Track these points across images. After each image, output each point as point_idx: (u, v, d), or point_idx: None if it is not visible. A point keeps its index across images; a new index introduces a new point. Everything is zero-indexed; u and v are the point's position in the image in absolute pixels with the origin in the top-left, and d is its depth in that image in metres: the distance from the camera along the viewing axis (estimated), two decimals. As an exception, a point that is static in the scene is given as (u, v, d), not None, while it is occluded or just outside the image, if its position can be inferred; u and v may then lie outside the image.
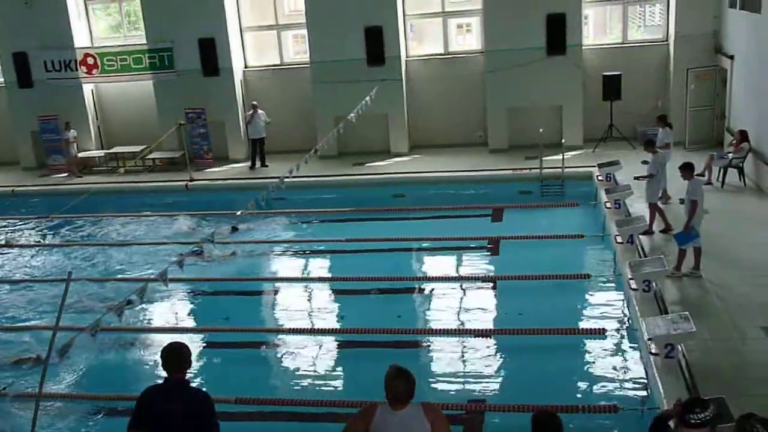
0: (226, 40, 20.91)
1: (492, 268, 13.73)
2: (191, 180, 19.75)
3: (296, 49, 22.71)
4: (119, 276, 14.22)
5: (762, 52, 15.30)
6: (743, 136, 15.62)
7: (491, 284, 12.92)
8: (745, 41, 16.48)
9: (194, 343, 11.25)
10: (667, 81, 19.46)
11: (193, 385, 5.97)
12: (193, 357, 10.36)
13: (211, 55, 20.96)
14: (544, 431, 5.20)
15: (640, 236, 12.95)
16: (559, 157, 17.29)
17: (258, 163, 20.33)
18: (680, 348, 9.17)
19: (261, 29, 22.03)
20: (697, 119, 18.58)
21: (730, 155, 15.85)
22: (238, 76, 21.45)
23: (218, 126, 21.46)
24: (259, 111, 20.00)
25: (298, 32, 21.83)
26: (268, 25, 21.84)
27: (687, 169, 11.88)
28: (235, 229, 15.85)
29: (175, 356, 5.69)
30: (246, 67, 21.91)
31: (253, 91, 21.68)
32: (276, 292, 13.49)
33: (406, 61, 20.70)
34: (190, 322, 12.53)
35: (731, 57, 17.31)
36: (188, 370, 5.78)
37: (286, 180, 12.88)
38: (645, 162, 14.76)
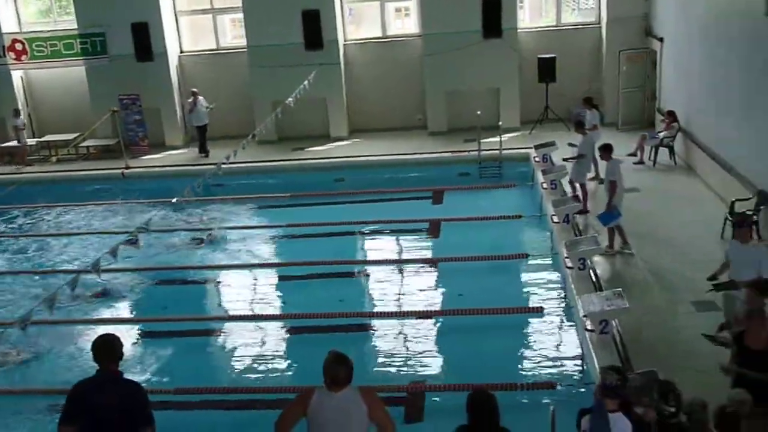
0: (160, 24, 20.49)
1: (433, 250, 13.87)
2: (127, 168, 19.36)
3: (234, 34, 22.38)
4: (58, 268, 13.90)
5: (690, 34, 15.71)
6: (673, 116, 16.05)
7: (432, 266, 13.05)
8: (674, 24, 16.90)
9: (132, 334, 11.11)
10: (600, 63, 19.83)
11: (132, 376, 5.91)
12: (132, 348, 10.32)
13: (145, 40, 20.52)
14: (480, 410, 5.30)
15: (576, 215, 13.22)
16: (497, 139, 17.49)
17: (199, 150, 19.96)
18: (614, 324, 9.43)
19: (196, 13, 21.65)
20: (629, 100, 19.02)
21: (661, 135, 16.28)
22: (173, 61, 21.06)
23: (154, 112, 21.06)
24: (200, 98, 19.67)
25: (236, 16, 21.50)
26: (203, 9, 21.48)
27: (606, 150, 12.28)
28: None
29: (107, 348, 5.61)
30: (181, 52, 21.52)
31: (189, 76, 21.33)
32: (217, 279, 13.34)
33: (344, 44, 20.62)
34: (128, 313, 12.32)
35: (661, 39, 17.74)
36: (121, 361, 5.70)
37: (223, 166, 12.75)
38: (572, 144, 15.08)
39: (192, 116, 19.80)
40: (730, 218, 11.84)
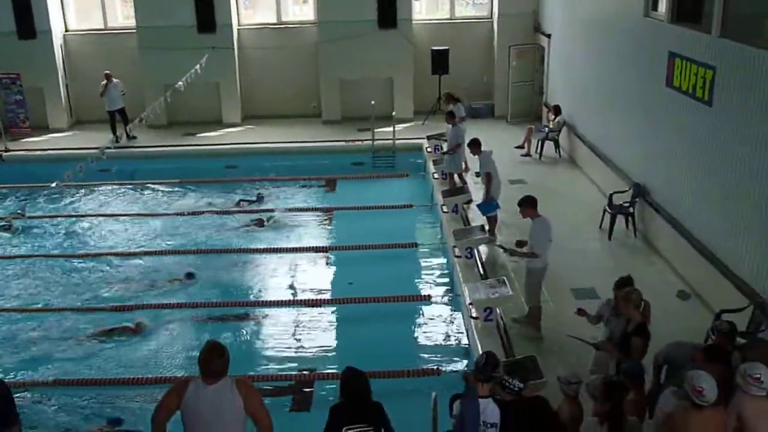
0: (43, 0, 19.53)
1: (325, 238, 13.87)
2: (6, 150, 18.42)
3: (125, 13, 21.57)
4: None
5: (574, 32, 16.32)
6: (557, 110, 16.63)
7: (324, 254, 13.06)
8: (560, 21, 17.50)
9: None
10: (492, 57, 20.27)
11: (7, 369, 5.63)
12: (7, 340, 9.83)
13: (27, 17, 19.52)
14: (351, 388, 5.37)
15: (464, 206, 13.52)
16: (390, 129, 17.66)
17: (123, 137, 18.83)
18: (498, 311, 9.73)
19: (83, -10, 20.82)
20: (518, 94, 19.57)
21: (547, 129, 16.83)
22: (57, 40, 20.12)
23: (36, 92, 20.06)
24: (114, 80, 18.84)
25: (126, -5, 20.76)
26: (90, -14, 20.65)
27: (475, 145, 12.70)
28: (260, 198, 15.39)
29: None
30: (66, 30, 20.60)
31: (75, 56, 20.49)
32: (98, 266, 12.85)
33: (239, 29, 20.27)
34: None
35: (548, 36, 18.33)
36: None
37: (107, 151, 12.32)
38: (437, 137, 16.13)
39: (105, 100, 18.90)
40: (608, 210, 12.40)
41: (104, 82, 18.78)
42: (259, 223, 14.29)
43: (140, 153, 17.91)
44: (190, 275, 12.13)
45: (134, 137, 18.83)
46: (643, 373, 6.75)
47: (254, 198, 15.62)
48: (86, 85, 20.27)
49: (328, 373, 9.30)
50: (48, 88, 20.14)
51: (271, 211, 14.78)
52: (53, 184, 12.56)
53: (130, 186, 16.52)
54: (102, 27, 20.77)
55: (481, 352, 6.42)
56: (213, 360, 5.30)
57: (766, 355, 6.19)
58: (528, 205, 9.48)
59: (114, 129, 18.81)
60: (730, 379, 5.95)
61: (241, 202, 15.48)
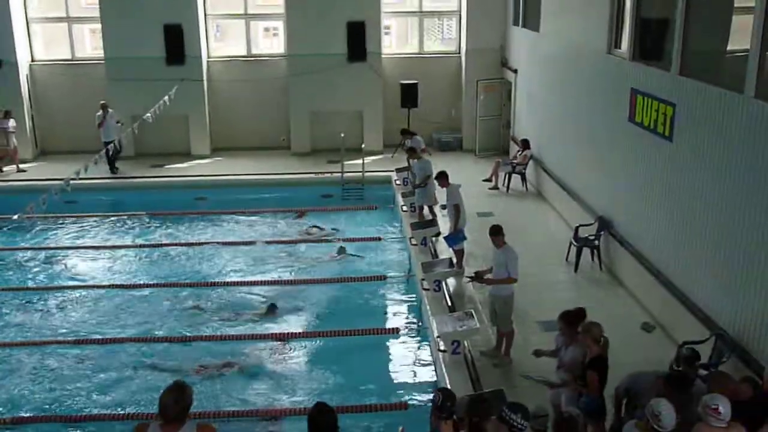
0: (9, 30, 19.44)
1: (292, 270, 13.79)
2: (-31, 181, 18.19)
3: (94, 44, 21.53)
4: None
5: (540, 67, 16.61)
6: (525, 144, 16.84)
7: (292, 287, 12.97)
8: (527, 56, 17.81)
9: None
10: (460, 91, 20.53)
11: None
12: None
13: (-9, 46, 19.43)
14: (318, 425, 5.30)
15: (433, 238, 13.58)
16: (360, 161, 17.74)
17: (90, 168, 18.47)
18: (466, 344, 9.75)
19: (50, 21, 20.71)
20: (486, 127, 19.83)
21: (514, 162, 17.02)
22: (23, 70, 20.00)
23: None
24: (110, 110, 18.67)
25: (95, 26, 20.68)
26: (58, 17, 20.55)
27: (443, 178, 12.76)
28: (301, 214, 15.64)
29: None
30: (33, 60, 20.49)
31: (42, 86, 20.37)
32: (68, 299, 12.65)
33: (209, 61, 20.32)
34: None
35: (515, 71, 18.63)
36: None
37: (72, 182, 12.23)
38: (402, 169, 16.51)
39: (102, 131, 18.63)
40: (574, 242, 12.54)
41: (100, 112, 18.58)
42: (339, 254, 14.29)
43: (108, 184, 17.75)
44: (273, 307, 12.05)
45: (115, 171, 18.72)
46: (602, 409, 6.78)
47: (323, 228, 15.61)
48: (52, 115, 20.16)
49: (296, 408, 9.21)
50: (13, 117, 19.90)
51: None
52: (15, 216, 12.39)
53: (97, 218, 16.35)
54: (69, 57, 20.69)
55: (436, 391, 6.41)
56: (170, 402, 4.98)
57: (726, 386, 6.30)
58: (502, 234, 9.75)
59: (112, 162, 18.47)
60: (690, 409, 6.03)
61: (313, 228, 15.51)
